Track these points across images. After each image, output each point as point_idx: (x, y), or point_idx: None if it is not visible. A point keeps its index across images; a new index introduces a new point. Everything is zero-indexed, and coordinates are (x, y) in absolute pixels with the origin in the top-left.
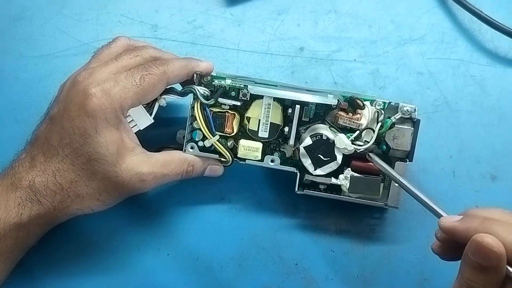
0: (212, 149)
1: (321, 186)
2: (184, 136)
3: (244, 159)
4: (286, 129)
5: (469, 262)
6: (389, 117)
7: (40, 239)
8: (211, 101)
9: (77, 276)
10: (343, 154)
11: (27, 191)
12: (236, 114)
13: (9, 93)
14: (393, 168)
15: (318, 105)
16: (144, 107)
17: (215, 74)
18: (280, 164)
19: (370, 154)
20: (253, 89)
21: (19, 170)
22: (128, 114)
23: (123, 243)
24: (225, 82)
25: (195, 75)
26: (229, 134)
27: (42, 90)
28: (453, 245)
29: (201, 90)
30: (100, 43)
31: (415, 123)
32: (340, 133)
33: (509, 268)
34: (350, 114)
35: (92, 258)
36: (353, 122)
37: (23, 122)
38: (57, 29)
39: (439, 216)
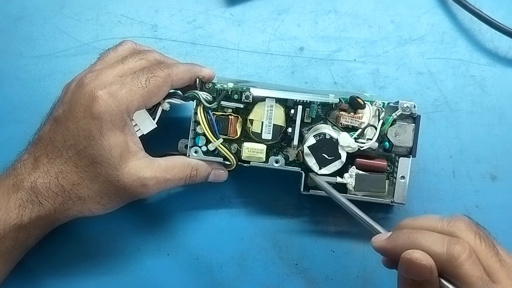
0: (216, 153)
1: None
2: (186, 145)
3: (249, 162)
4: (290, 130)
5: (403, 280)
6: (390, 115)
7: (40, 239)
8: (214, 105)
9: (77, 276)
10: (347, 152)
11: (29, 192)
12: (239, 117)
13: (9, 93)
14: (397, 163)
15: (319, 105)
16: (147, 112)
17: (216, 81)
18: (285, 165)
19: (310, 174)
20: (256, 91)
21: (21, 171)
22: (131, 119)
23: (123, 243)
24: (227, 86)
25: (197, 80)
26: (233, 137)
27: (42, 90)
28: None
29: (203, 94)
30: (100, 43)
31: (415, 119)
32: (343, 132)
33: (442, 280)
34: (352, 113)
35: (92, 258)
36: (355, 120)
37: (23, 122)
38: (57, 29)
39: (376, 232)
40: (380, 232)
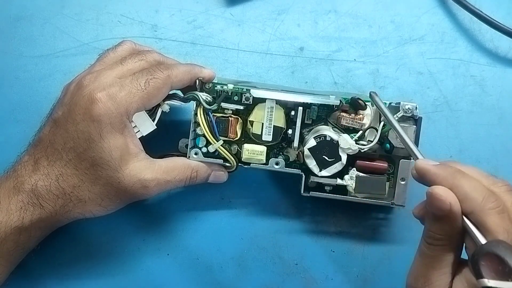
0: (216, 155)
1: (327, 188)
2: (186, 145)
3: (249, 163)
4: (290, 131)
5: (427, 213)
6: None
7: (40, 241)
8: (214, 106)
9: (77, 276)
10: (347, 154)
11: (30, 195)
12: (239, 119)
13: (9, 93)
14: (398, 166)
15: (320, 107)
16: (147, 113)
17: (216, 81)
18: (285, 167)
19: (372, 92)
20: (256, 93)
21: (21, 173)
22: (131, 120)
23: (123, 243)
24: (227, 87)
25: (197, 81)
26: (233, 139)
27: (42, 90)
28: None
29: (203, 96)
30: (100, 43)
31: (417, 120)
32: (344, 133)
33: (465, 219)
34: (353, 115)
35: (92, 259)
36: (356, 122)
37: (23, 122)
38: (57, 29)
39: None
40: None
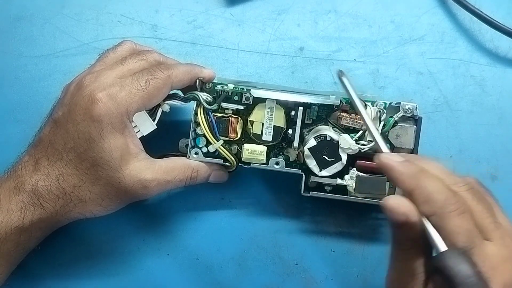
0: (216, 154)
1: (327, 188)
2: (186, 145)
3: (249, 163)
4: (290, 131)
5: (388, 218)
6: (391, 116)
7: (40, 241)
8: (214, 106)
9: (77, 276)
10: (347, 154)
11: (30, 195)
12: (239, 119)
13: (9, 93)
14: None
15: (320, 107)
16: (147, 113)
17: (216, 81)
18: (285, 167)
19: (340, 70)
20: (256, 93)
21: (22, 173)
22: (132, 120)
23: (123, 243)
24: (227, 87)
25: (197, 81)
26: (233, 139)
27: (42, 90)
28: None
29: (203, 95)
30: (100, 43)
31: (417, 120)
32: (344, 133)
33: (427, 223)
34: (353, 115)
35: (92, 258)
36: (356, 122)
37: (23, 122)
38: (57, 29)
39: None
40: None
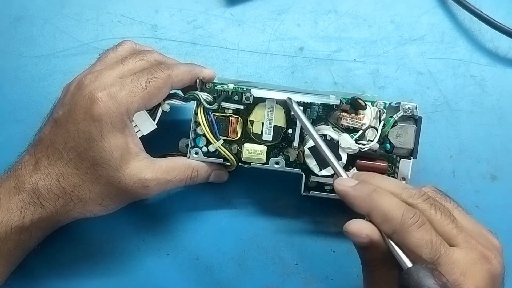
0: (216, 154)
1: (327, 187)
2: (186, 145)
3: (249, 163)
4: (290, 131)
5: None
6: (391, 116)
7: (41, 241)
8: (214, 106)
9: (77, 276)
10: (347, 154)
11: (30, 194)
12: (239, 118)
13: (9, 93)
14: (398, 164)
15: (320, 106)
16: (148, 113)
17: (217, 81)
18: (285, 167)
19: (288, 97)
20: (256, 92)
21: (22, 173)
22: (132, 120)
23: (123, 243)
24: (227, 87)
25: (197, 81)
26: (233, 139)
27: (42, 90)
28: None
29: (204, 95)
30: (100, 43)
31: (417, 120)
32: (344, 133)
33: (390, 242)
34: (353, 115)
35: (92, 258)
36: (356, 121)
37: (23, 122)
38: (57, 29)
39: (339, 176)
40: (343, 176)
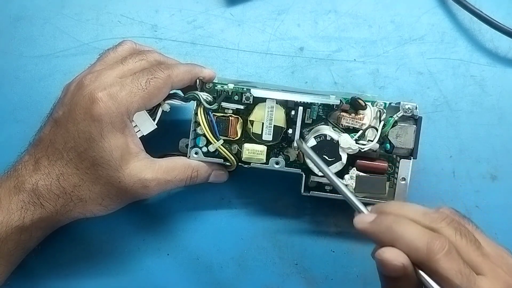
0: (216, 154)
1: (327, 187)
2: (186, 145)
3: (249, 163)
4: (290, 131)
5: (380, 273)
6: (391, 116)
7: (41, 241)
8: (214, 106)
9: (77, 276)
10: (347, 154)
11: (30, 194)
12: (239, 118)
13: (9, 93)
14: (398, 164)
15: (320, 106)
16: (148, 113)
17: (217, 81)
18: (285, 167)
19: (298, 140)
20: (256, 92)
21: (22, 173)
22: (132, 120)
23: (123, 243)
24: (227, 87)
25: (197, 81)
26: (233, 139)
27: (42, 90)
28: None
29: (204, 95)
30: (100, 43)
31: (417, 120)
32: (344, 133)
33: (421, 273)
34: (353, 115)
35: (92, 258)
36: (356, 121)
37: (23, 122)
38: (57, 29)
39: (360, 212)
40: (364, 212)
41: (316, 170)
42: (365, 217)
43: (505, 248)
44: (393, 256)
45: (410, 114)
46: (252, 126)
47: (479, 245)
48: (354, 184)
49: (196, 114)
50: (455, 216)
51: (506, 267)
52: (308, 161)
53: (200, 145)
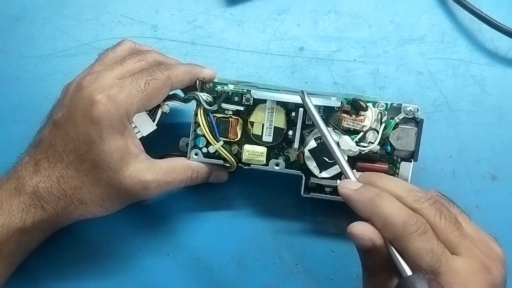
0: (216, 155)
1: (327, 189)
2: (187, 144)
3: (249, 164)
4: (290, 132)
5: (356, 247)
6: (392, 118)
7: (41, 242)
8: (214, 107)
9: (77, 276)
10: (348, 155)
11: (31, 196)
12: (239, 119)
13: (9, 93)
14: (399, 168)
15: (321, 108)
16: (147, 114)
17: (217, 81)
18: (285, 168)
19: (301, 93)
20: (256, 94)
21: (22, 175)
22: (131, 121)
23: (123, 243)
24: (228, 88)
25: (197, 81)
26: (233, 140)
27: (42, 90)
28: None
29: (204, 96)
30: (100, 43)
31: (418, 122)
32: (344, 135)
33: (392, 248)
34: (354, 116)
35: (92, 258)
36: (357, 123)
37: (23, 122)
38: (57, 29)
39: (347, 177)
40: (351, 179)
41: (314, 168)
42: (350, 184)
43: (492, 236)
44: (362, 230)
45: (411, 116)
46: (252, 127)
47: (459, 226)
48: None
49: (196, 114)
50: (440, 199)
51: (485, 248)
52: (308, 162)
53: (200, 146)
